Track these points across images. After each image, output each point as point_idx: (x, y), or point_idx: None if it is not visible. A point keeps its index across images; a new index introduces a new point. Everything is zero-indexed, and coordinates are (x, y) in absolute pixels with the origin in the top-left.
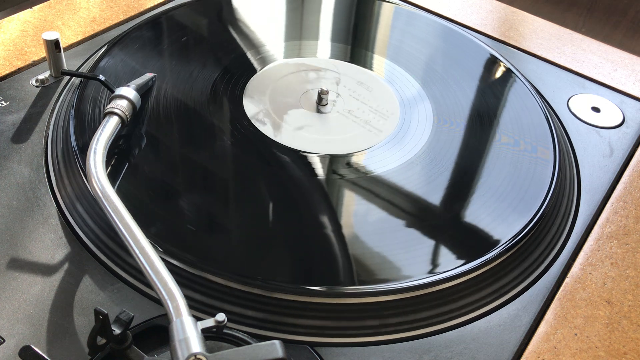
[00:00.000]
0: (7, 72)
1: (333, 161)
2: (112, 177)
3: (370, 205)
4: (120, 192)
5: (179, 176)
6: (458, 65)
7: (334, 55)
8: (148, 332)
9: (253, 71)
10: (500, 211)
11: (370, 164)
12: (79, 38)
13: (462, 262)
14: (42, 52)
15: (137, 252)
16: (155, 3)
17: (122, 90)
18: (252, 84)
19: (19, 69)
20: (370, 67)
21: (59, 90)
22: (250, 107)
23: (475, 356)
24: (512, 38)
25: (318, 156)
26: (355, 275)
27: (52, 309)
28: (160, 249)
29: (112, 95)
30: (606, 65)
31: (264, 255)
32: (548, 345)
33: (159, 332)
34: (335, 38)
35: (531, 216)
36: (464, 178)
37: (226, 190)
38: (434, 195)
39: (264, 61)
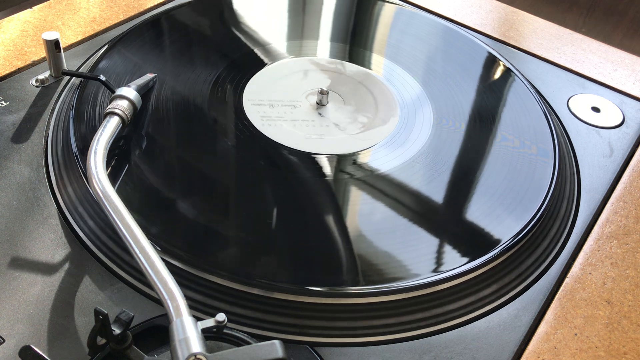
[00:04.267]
0: (7, 72)
1: (334, 161)
2: (113, 177)
3: (370, 205)
4: (121, 193)
5: (179, 176)
6: (458, 65)
7: (335, 55)
8: (148, 332)
9: (253, 71)
10: (500, 211)
11: (370, 165)
12: (79, 38)
13: (462, 262)
14: (42, 52)
15: (138, 252)
16: (155, 3)
17: (122, 91)
18: (253, 83)
19: (19, 69)
20: (370, 67)
21: (59, 90)
22: (251, 106)
23: (475, 356)
24: (512, 38)
25: (318, 155)
26: (355, 275)
27: (52, 309)
28: (160, 249)
29: (113, 95)
30: (606, 65)
31: (263, 256)
32: (548, 345)
33: (159, 332)
34: (335, 38)
35: (531, 216)
36: (463, 178)
37: (226, 190)
38: (434, 195)
39: (265, 61)
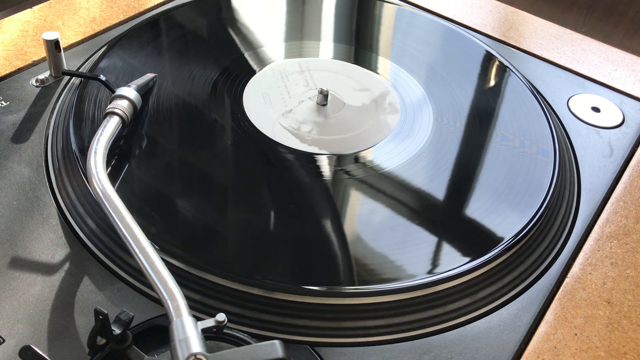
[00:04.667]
0: (7, 72)
1: (333, 160)
2: (113, 177)
3: (370, 205)
4: (121, 192)
5: (179, 176)
6: (458, 65)
7: (334, 56)
8: (148, 332)
9: (253, 71)
10: (500, 211)
11: (370, 164)
12: (79, 38)
13: (462, 262)
14: (42, 52)
15: (138, 252)
16: (155, 3)
17: (122, 91)
18: (252, 83)
19: (19, 69)
20: (370, 67)
21: (59, 90)
22: (250, 107)
23: (475, 356)
24: (512, 38)
25: (318, 155)
26: (355, 275)
27: (52, 309)
28: (160, 249)
29: (113, 95)
30: (606, 65)
31: (263, 256)
32: (548, 345)
33: (159, 332)
34: (335, 38)
35: (531, 216)
36: (463, 178)
37: (226, 190)
38: (434, 195)
39: (264, 61)
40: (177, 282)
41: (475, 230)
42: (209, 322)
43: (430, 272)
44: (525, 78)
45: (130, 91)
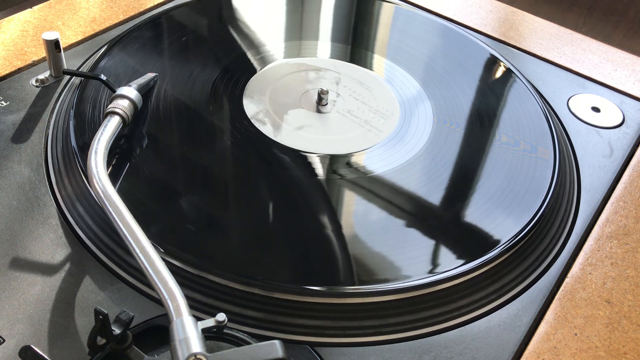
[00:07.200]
0: (7, 72)
1: (333, 161)
2: (113, 177)
3: (370, 205)
4: (121, 192)
5: (179, 176)
6: (458, 65)
7: (334, 55)
8: (148, 332)
9: (253, 71)
10: (500, 211)
11: (370, 164)
12: (79, 38)
13: (462, 262)
14: (42, 52)
15: (138, 252)
16: (155, 3)
17: (123, 90)
18: (252, 83)
19: (19, 69)
20: (370, 67)
21: (59, 90)
22: (250, 106)
23: (475, 356)
24: (512, 38)
25: (318, 156)
26: (355, 275)
27: (52, 309)
28: (160, 249)
29: (114, 95)
30: (606, 65)
31: (264, 255)
32: (548, 345)
33: (159, 332)
34: (335, 38)
35: (531, 216)
36: (463, 178)
37: (226, 190)
38: (434, 195)
39: (264, 61)
40: (177, 282)
41: (476, 230)
42: (209, 322)
43: (430, 271)
44: (525, 78)
45: (130, 91)
